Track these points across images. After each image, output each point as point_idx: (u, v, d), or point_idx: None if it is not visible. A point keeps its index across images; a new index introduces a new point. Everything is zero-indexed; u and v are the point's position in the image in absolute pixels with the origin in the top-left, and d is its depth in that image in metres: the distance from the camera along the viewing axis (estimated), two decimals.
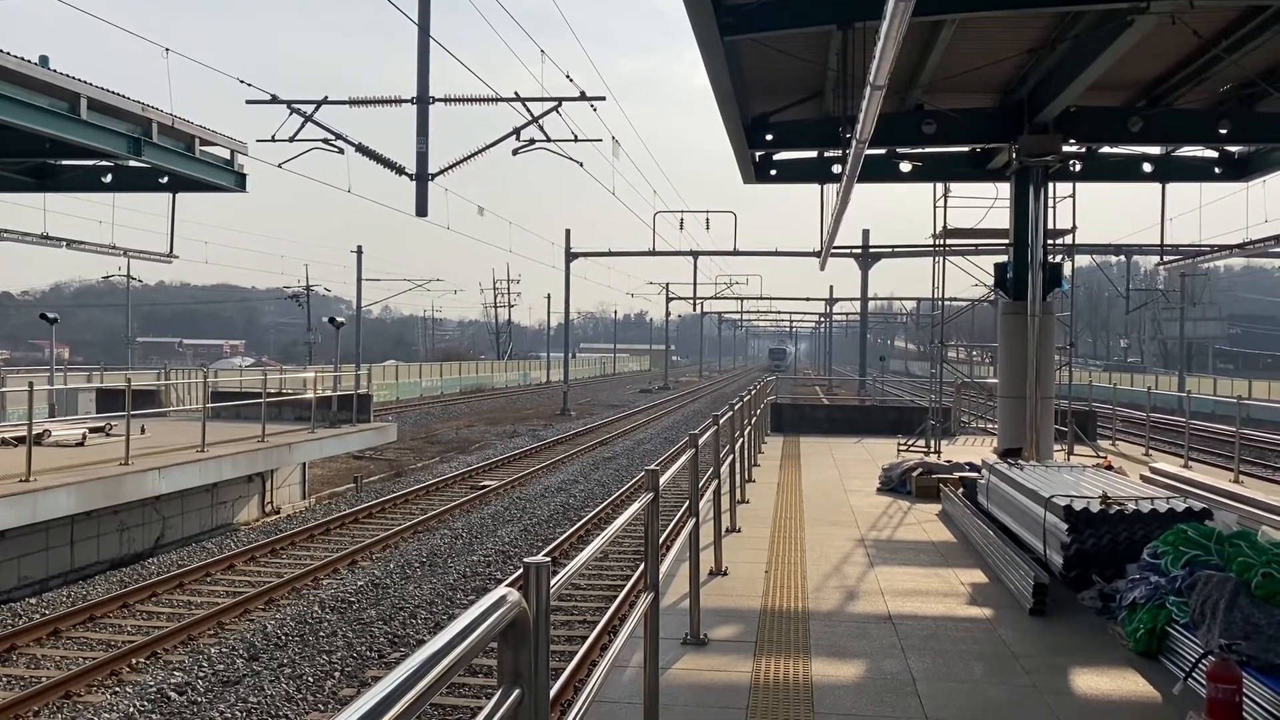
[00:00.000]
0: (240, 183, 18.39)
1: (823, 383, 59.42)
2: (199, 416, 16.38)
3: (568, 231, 44.26)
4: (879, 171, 15.33)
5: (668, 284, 64.55)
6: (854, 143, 9.84)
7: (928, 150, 15.42)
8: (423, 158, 21.07)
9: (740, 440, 11.51)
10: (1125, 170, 16.29)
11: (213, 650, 9.55)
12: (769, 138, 14.21)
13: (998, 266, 14.92)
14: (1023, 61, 12.55)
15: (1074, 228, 15.00)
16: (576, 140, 22.06)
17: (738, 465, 11.23)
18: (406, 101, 21.01)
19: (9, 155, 16.63)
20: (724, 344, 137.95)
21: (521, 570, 2.23)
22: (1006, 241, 15.09)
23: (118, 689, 8.60)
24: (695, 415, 41.51)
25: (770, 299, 70.13)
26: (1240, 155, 15.96)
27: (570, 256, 44.36)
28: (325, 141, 20.95)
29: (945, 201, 16.29)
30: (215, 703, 8.30)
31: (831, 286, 79.96)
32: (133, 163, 16.36)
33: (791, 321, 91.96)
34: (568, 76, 21.08)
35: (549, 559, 2.27)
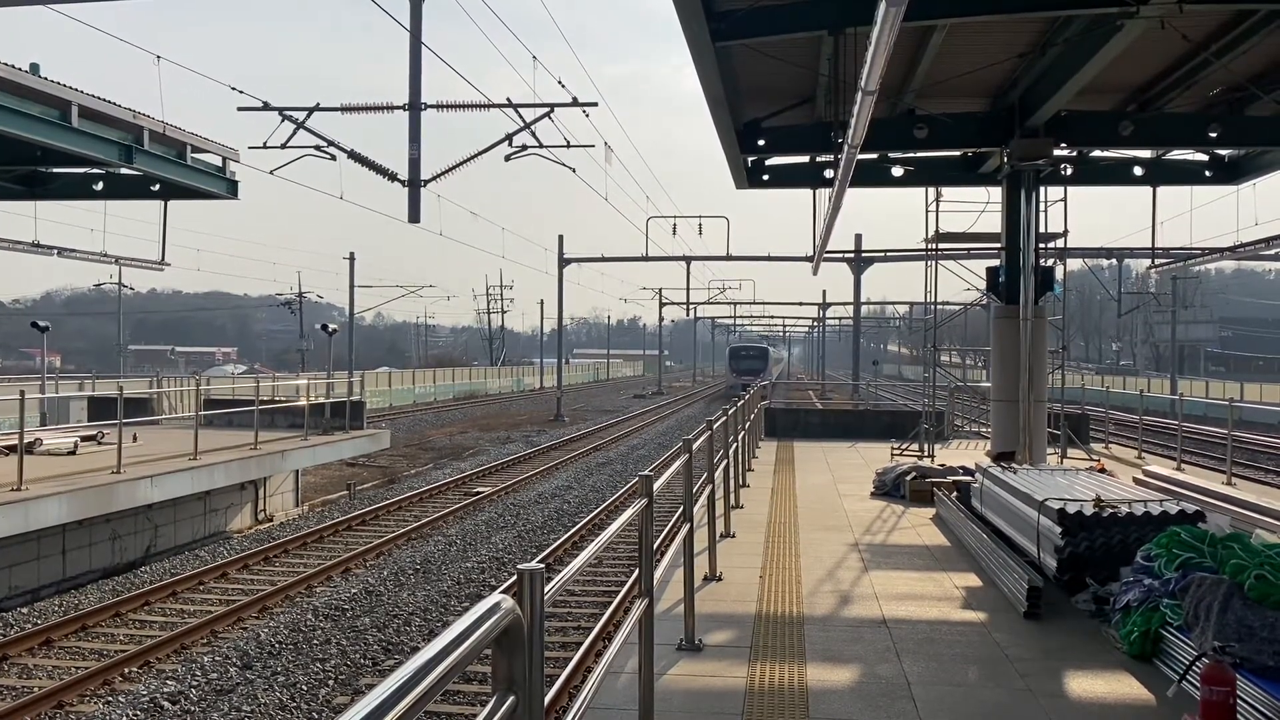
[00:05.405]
0: (232, 190, 18.38)
1: (816, 387, 59.45)
2: (191, 424, 16.32)
3: (560, 237, 44.21)
4: (871, 176, 15.37)
5: (661, 289, 64.48)
6: (846, 147, 9.88)
7: (920, 155, 15.47)
8: (415, 164, 21.03)
9: (734, 445, 11.51)
10: (1116, 174, 16.32)
11: (206, 659, 9.52)
12: (761, 143, 14.25)
13: (990, 270, 14.95)
14: (1013, 66, 12.60)
15: (1066, 231, 15.04)
16: (569, 146, 22.02)
17: (732, 470, 11.23)
18: (399, 108, 20.98)
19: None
20: (717, 349, 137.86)
21: (515, 577, 2.23)
22: (998, 245, 15.11)
23: (110, 698, 8.56)
24: (689, 420, 41.51)
25: (763, 304, 70.24)
26: (1230, 158, 16.02)
27: (563, 262, 44.34)
28: (317, 148, 20.89)
29: (938, 206, 16.36)
30: (209, 712, 8.27)
31: (824, 291, 79.56)
32: (124, 170, 16.34)
33: (784, 326, 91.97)
34: (559, 83, 21.01)
35: (543, 565, 2.26)
